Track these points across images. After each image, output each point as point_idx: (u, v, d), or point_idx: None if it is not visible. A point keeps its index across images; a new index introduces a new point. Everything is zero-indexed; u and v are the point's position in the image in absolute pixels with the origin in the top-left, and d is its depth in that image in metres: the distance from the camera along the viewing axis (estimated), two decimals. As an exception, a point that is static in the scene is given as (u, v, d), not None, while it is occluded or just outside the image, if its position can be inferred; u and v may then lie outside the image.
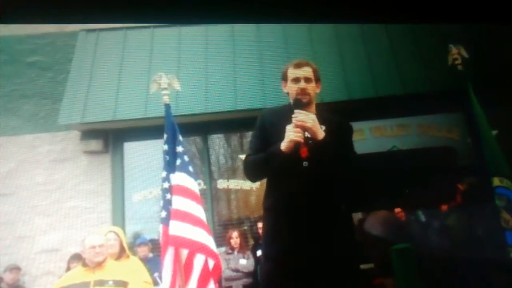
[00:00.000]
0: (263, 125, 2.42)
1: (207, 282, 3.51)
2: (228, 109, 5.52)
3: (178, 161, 3.75)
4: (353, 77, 5.89)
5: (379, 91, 5.81)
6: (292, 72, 2.42)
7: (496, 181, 4.04)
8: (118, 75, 5.83)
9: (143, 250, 5.03)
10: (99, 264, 3.50)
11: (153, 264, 4.44)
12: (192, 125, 5.33)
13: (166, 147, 3.81)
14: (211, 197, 5.86)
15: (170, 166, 3.75)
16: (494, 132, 4.45)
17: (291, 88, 2.41)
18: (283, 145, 2.20)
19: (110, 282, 3.48)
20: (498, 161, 4.11)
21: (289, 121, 2.26)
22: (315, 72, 2.45)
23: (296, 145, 2.19)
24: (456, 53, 4.24)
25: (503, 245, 3.89)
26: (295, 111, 2.26)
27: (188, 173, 3.73)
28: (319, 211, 2.21)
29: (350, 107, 5.82)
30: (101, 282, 3.45)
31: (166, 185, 3.69)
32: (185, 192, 3.64)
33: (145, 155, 5.82)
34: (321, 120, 2.34)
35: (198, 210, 3.62)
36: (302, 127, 2.21)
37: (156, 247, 4.98)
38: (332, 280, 2.18)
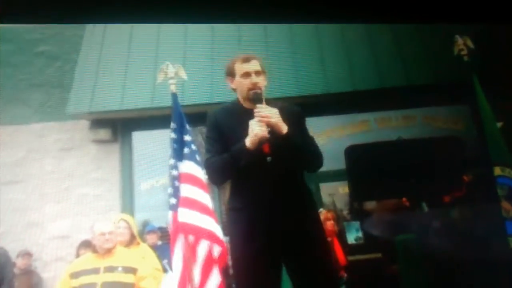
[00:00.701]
0: (216, 126, 2.35)
1: (211, 269, 3.51)
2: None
3: (186, 150, 3.74)
4: (358, 68, 5.89)
5: (384, 83, 5.82)
6: (241, 67, 2.35)
7: (497, 171, 4.02)
8: (125, 65, 5.86)
9: (152, 238, 5.08)
10: (109, 251, 3.57)
11: (162, 251, 4.48)
12: (198, 115, 5.33)
13: (173, 135, 3.81)
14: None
15: (178, 154, 3.76)
16: (500, 124, 4.45)
17: (241, 84, 2.34)
18: (248, 141, 2.16)
19: (120, 269, 3.53)
20: (501, 151, 4.10)
21: (242, 118, 2.23)
22: (262, 65, 2.40)
23: (261, 140, 2.15)
24: (462, 44, 4.20)
25: (503, 235, 3.90)
26: (258, 106, 2.21)
27: (196, 161, 3.74)
28: (289, 203, 2.20)
29: (355, 98, 5.84)
30: (111, 268, 3.51)
31: (174, 172, 3.69)
32: (193, 180, 3.64)
33: (153, 144, 5.87)
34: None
35: (206, 198, 3.62)
36: (266, 123, 2.16)
37: (164, 235, 5.03)
38: (309, 271, 2.20)
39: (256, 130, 2.15)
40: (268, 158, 2.23)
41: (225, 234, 3.32)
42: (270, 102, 2.31)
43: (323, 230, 2.45)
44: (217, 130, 2.34)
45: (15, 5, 1.32)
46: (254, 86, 2.30)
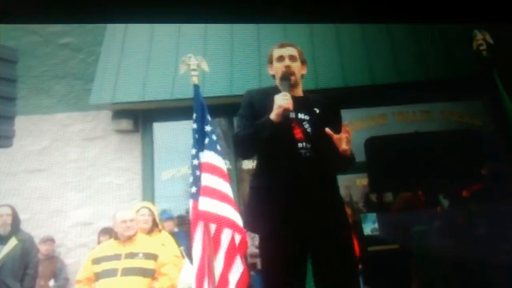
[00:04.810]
0: (250, 104, 2.41)
1: (234, 257, 3.52)
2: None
3: (207, 140, 3.76)
4: (376, 63, 5.89)
5: (402, 77, 5.81)
6: (276, 52, 2.45)
7: None
8: (147, 58, 5.94)
9: (169, 225, 5.12)
10: (130, 238, 3.67)
11: (178, 238, 4.55)
12: (217, 107, 5.37)
13: (195, 125, 3.84)
14: (236, 178, 5.94)
15: (199, 144, 3.80)
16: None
17: (276, 67, 2.44)
18: (272, 113, 2.20)
19: (140, 255, 3.63)
20: None
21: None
22: (300, 53, 2.47)
23: (285, 113, 2.18)
24: (481, 39, 4.18)
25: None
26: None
27: (216, 151, 3.76)
28: (316, 190, 2.22)
29: (373, 92, 5.85)
30: (132, 255, 3.62)
31: (195, 162, 3.73)
32: (214, 169, 3.66)
33: (173, 135, 5.96)
34: (313, 102, 2.40)
35: (226, 187, 3.63)
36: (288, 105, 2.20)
37: (181, 222, 5.15)
38: (329, 256, 2.20)
39: (279, 102, 2.19)
40: (299, 144, 2.27)
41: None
42: (308, 94, 2.42)
43: (346, 218, 2.43)
44: (250, 108, 2.40)
45: (15, 5, 1.33)
46: (287, 69, 2.38)
